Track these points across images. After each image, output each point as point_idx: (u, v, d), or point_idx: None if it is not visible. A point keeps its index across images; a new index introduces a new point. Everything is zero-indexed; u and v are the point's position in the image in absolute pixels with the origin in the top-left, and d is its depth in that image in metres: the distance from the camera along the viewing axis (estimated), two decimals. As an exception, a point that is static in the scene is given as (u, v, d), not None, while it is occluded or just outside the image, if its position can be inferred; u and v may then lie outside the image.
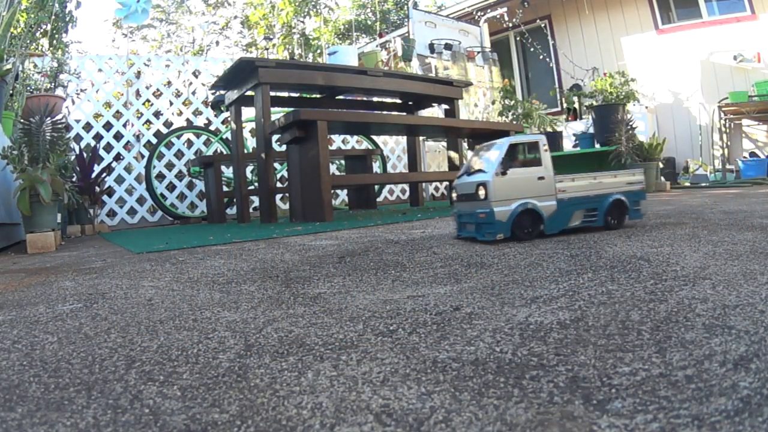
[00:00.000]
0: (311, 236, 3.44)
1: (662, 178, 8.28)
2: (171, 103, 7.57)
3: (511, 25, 10.02)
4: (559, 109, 10.07)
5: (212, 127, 7.68)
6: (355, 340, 1.25)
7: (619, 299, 1.45)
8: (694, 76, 9.23)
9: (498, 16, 9.80)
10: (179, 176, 7.36)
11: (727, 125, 9.02)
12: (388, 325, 1.35)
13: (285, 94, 6.48)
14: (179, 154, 7.49)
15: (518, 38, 11.19)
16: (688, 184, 8.41)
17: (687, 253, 2.09)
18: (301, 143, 4.64)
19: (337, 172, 7.48)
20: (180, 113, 7.72)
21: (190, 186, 7.39)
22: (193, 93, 7.74)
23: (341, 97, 6.44)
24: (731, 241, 2.28)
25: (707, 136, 9.19)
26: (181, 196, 7.41)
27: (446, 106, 6.32)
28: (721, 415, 0.75)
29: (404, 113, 6.71)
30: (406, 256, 2.41)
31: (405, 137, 6.89)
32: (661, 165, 8.49)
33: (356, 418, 0.83)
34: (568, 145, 8.99)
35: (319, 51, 11.24)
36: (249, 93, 5.46)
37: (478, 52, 9.01)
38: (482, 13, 9.97)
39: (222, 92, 6.15)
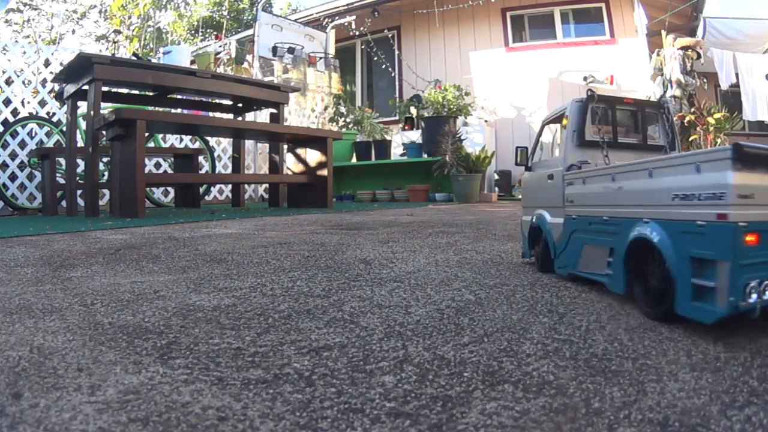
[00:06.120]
0: (112, 231, 3.93)
1: (496, 189, 9.21)
2: (21, 92, 7.57)
3: (358, 33, 10.70)
4: (397, 118, 10.65)
5: (55, 119, 7.75)
6: (64, 306, 1.82)
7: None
8: (540, 94, 9.82)
9: (346, 24, 10.43)
10: (21, 166, 7.39)
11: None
12: (101, 301, 1.93)
13: (136, 91, 6.83)
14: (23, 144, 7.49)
15: (364, 47, 11.88)
16: (520, 196, 9.10)
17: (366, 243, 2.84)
18: (122, 141, 5.04)
19: (169, 170, 7.85)
20: (28, 102, 7.73)
21: (30, 177, 7.44)
22: (43, 83, 7.77)
23: (179, 96, 6.86)
24: (434, 245, 3.07)
25: (548, 152, 10.18)
26: (22, 187, 7.43)
27: (273, 110, 6.90)
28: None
29: (233, 115, 7.23)
30: (169, 252, 2.99)
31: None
32: (496, 177, 9.44)
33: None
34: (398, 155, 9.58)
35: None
36: (85, 87, 5.72)
37: (321, 58, 9.67)
38: (330, 20, 10.59)
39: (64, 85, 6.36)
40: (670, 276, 1.37)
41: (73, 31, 17.03)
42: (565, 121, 2.16)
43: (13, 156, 7.30)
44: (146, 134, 5.39)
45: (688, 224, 1.31)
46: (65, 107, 7.52)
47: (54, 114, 7.75)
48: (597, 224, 1.82)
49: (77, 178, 5.87)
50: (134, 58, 7.30)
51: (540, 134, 2.57)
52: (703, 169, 1.29)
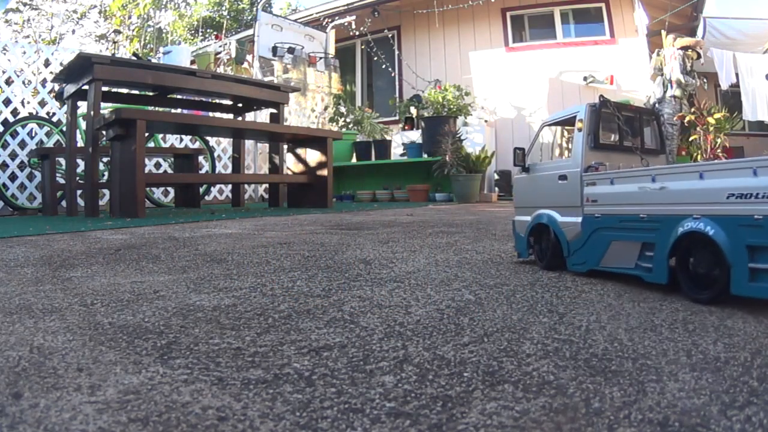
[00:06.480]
0: (112, 231, 3.93)
1: (496, 189, 9.17)
2: (21, 92, 7.58)
3: (358, 33, 10.69)
4: (397, 118, 10.59)
5: (55, 119, 7.75)
6: (64, 306, 1.82)
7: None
8: (540, 94, 9.78)
9: (346, 24, 10.41)
10: (21, 166, 7.39)
11: (568, 142, 9.73)
12: (98, 301, 1.93)
13: (137, 91, 6.84)
14: (23, 144, 7.49)
15: (364, 47, 11.86)
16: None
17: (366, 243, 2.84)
18: (122, 141, 5.04)
19: (169, 170, 7.86)
20: (28, 102, 7.74)
21: (30, 177, 7.44)
22: (43, 83, 7.78)
23: (179, 96, 6.86)
24: (433, 244, 3.07)
25: (547, 152, 10.00)
26: (22, 187, 7.43)
27: (273, 110, 6.90)
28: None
29: (233, 115, 7.24)
30: (169, 252, 2.99)
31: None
32: (496, 177, 9.40)
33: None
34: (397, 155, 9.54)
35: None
36: (85, 87, 5.72)
37: (321, 58, 9.67)
38: (330, 20, 10.58)
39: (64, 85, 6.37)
40: (726, 263, 1.57)
41: (73, 31, 17.09)
42: (580, 125, 2.26)
43: (13, 156, 7.30)
44: (146, 134, 5.39)
45: (744, 218, 1.53)
46: (65, 107, 7.52)
47: (54, 114, 7.75)
48: (630, 221, 1.97)
49: (77, 178, 5.87)
50: (134, 58, 7.31)
51: (537, 136, 2.62)
52: (760, 173, 1.52)
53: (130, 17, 11.97)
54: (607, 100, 2.33)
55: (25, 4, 17.01)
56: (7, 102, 7.36)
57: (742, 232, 1.54)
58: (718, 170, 1.67)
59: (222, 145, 8.62)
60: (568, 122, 2.50)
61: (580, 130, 2.28)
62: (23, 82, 7.56)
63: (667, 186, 1.83)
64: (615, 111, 2.34)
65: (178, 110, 7.46)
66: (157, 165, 8.16)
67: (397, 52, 11.20)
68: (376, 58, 11.14)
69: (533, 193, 2.59)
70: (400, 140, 9.55)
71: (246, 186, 8.38)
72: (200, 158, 7.58)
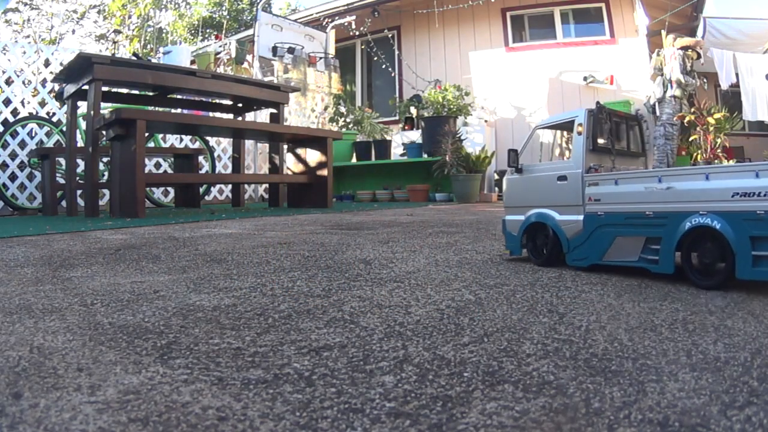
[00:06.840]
0: (112, 231, 3.93)
1: (496, 189, 9.14)
2: (21, 92, 7.59)
3: (358, 33, 10.68)
4: (397, 118, 10.55)
5: (55, 119, 7.75)
6: (64, 306, 1.82)
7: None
8: (540, 94, 9.74)
9: (346, 24, 10.39)
10: (21, 166, 7.39)
11: (567, 143, 9.81)
12: (90, 300, 1.93)
13: (137, 91, 6.84)
14: (23, 144, 7.49)
15: (364, 47, 11.84)
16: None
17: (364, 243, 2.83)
18: (122, 141, 5.04)
19: (169, 170, 7.87)
20: (28, 102, 7.74)
21: (30, 177, 7.44)
22: (43, 83, 7.78)
23: (179, 96, 6.86)
24: (433, 244, 3.07)
25: (547, 152, 9.97)
26: (22, 187, 7.43)
27: (273, 110, 6.89)
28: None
29: (233, 115, 7.24)
30: (169, 252, 2.99)
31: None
32: (496, 177, 9.37)
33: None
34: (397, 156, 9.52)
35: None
36: (85, 87, 5.71)
37: (321, 58, 9.66)
38: (330, 20, 10.56)
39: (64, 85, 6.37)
40: (732, 252, 1.78)
41: (73, 31, 17.12)
42: (580, 128, 2.38)
43: (13, 156, 7.30)
44: (146, 134, 5.39)
45: (748, 214, 1.74)
46: (65, 107, 7.52)
47: (54, 114, 7.75)
48: (636, 218, 2.12)
49: (77, 178, 5.87)
50: (134, 58, 7.30)
51: (530, 139, 2.67)
52: (761, 175, 1.74)
53: (130, 17, 11.96)
54: (603, 106, 2.47)
55: (25, 4, 17.03)
56: (7, 102, 7.36)
57: (745, 226, 1.75)
58: (723, 172, 1.88)
59: (222, 145, 8.61)
60: (561, 126, 2.66)
61: (580, 133, 2.38)
62: (23, 82, 7.56)
63: (673, 186, 2.00)
64: (607, 117, 2.50)
65: (178, 110, 7.46)
66: (157, 165, 8.16)
67: (397, 52, 11.17)
68: (376, 58, 11.11)
69: (528, 193, 2.64)
70: (400, 140, 9.51)
71: (246, 186, 8.38)
72: (200, 158, 7.58)
